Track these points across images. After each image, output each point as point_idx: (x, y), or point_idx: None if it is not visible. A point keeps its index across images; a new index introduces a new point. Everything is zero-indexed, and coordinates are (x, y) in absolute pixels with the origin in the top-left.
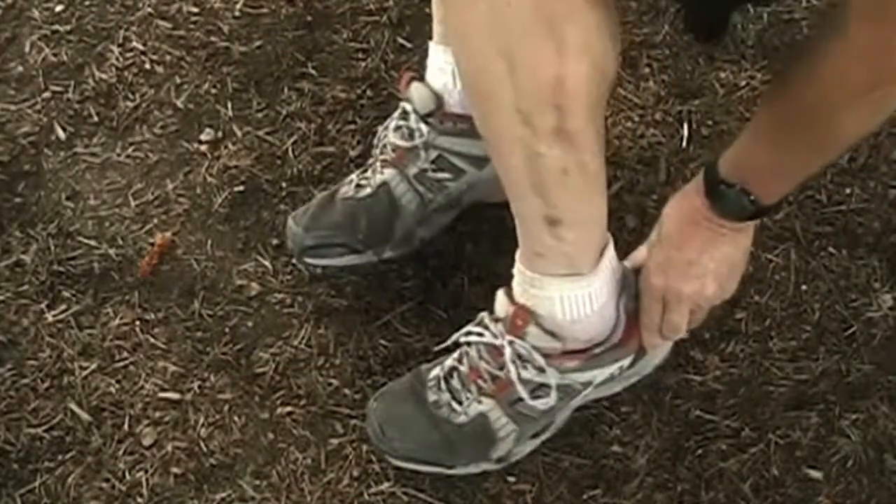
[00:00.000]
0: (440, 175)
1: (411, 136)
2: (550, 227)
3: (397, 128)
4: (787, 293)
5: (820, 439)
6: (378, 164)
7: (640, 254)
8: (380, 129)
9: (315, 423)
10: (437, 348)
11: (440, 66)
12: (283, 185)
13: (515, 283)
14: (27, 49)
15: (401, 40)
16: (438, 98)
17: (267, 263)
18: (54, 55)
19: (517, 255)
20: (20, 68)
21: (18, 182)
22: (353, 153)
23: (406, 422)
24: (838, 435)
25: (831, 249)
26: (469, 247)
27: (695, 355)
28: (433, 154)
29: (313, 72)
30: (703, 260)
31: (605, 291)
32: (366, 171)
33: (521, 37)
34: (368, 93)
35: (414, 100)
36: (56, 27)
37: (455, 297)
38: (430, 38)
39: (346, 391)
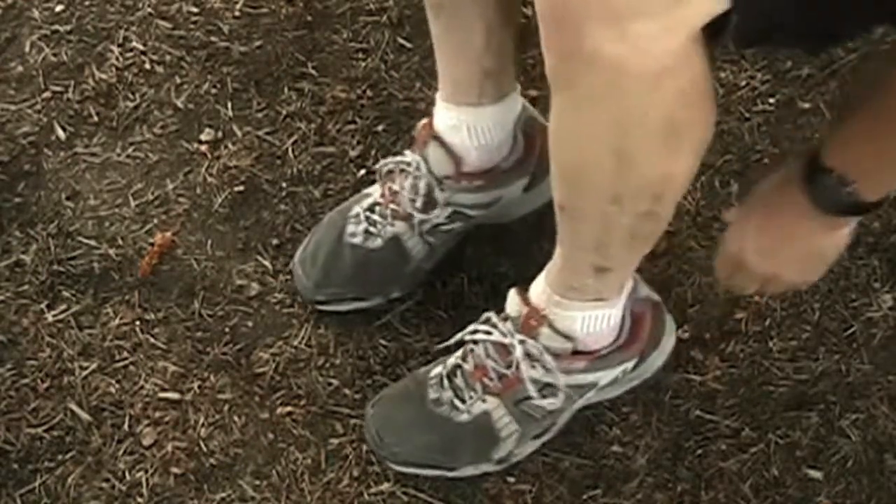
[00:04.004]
0: (453, 226)
1: (426, 202)
2: (597, 273)
3: (413, 185)
4: (787, 293)
5: (820, 439)
6: (388, 212)
7: (731, 213)
8: (391, 162)
9: (315, 423)
10: (439, 346)
11: (452, 125)
12: (283, 185)
13: (537, 292)
14: (27, 49)
15: (401, 40)
16: (455, 161)
17: (267, 263)
18: (54, 55)
19: (546, 276)
20: (20, 68)
21: (18, 182)
22: (353, 153)
23: (404, 425)
24: (838, 435)
25: None
26: (469, 247)
27: (695, 355)
28: (448, 211)
29: (313, 72)
30: (783, 249)
31: (619, 309)
32: (373, 209)
33: (641, 141)
34: (368, 93)
35: (431, 162)
36: (56, 27)
37: (455, 297)
38: (430, 38)
39: (346, 391)
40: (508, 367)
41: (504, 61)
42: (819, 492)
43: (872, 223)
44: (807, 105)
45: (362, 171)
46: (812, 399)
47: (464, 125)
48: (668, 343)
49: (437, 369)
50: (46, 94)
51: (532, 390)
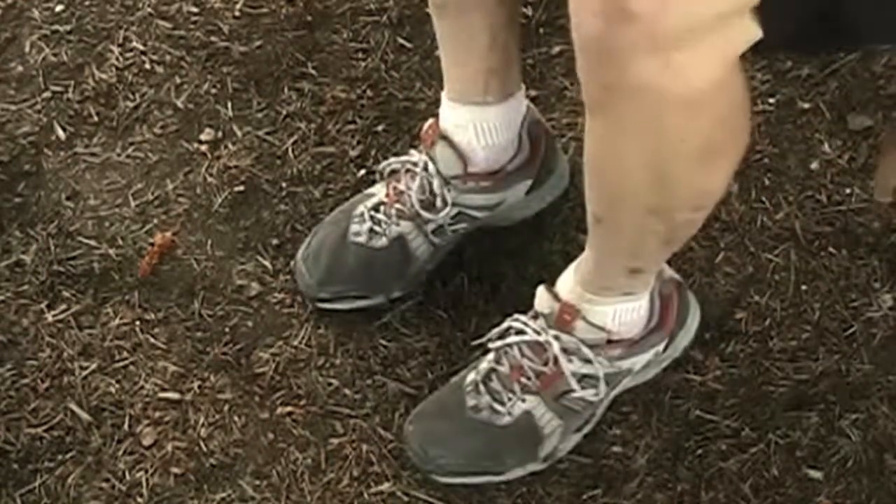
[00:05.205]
0: (457, 227)
1: (433, 202)
2: (631, 274)
3: (420, 185)
4: (787, 293)
5: (820, 439)
6: (394, 211)
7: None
8: (396, 162)
9: (315, 423)
10: (477, 341)
11: (458, 124)
12: (283, 185)
13: (566, 289)
14: (27, 49)
15: (401, 40)
16: (463, 161)
17: (267, 263)
18: (54, 55)
19: (576, 275)
20: (20, 68)
21: (18, 182)
22: (353, 153)
23: (446, 437)
24: (838, 435)
25: (831, 249)
26: (469, 247)
27: (695, 355)
28: (453, 211)
29: (313, 72)
30: None
31: (648, 297)
32: (378, 209)
33: (679, 162)
34: (368, 93)
35: (438, 161)
36: (56, 27)
37: (455, 297)
38: (431, 38)
39: (346, 391)
40: (545, 363)
41: (509, 59)
42: (819, 492)
43: (872, 223)
44: (807, 105)
45: (362, 171)
46: (812, 399)
47: (470, 124)
48: (693, 321)
49: (471, 376)
50: (46, 94)
51: (572, 383)
